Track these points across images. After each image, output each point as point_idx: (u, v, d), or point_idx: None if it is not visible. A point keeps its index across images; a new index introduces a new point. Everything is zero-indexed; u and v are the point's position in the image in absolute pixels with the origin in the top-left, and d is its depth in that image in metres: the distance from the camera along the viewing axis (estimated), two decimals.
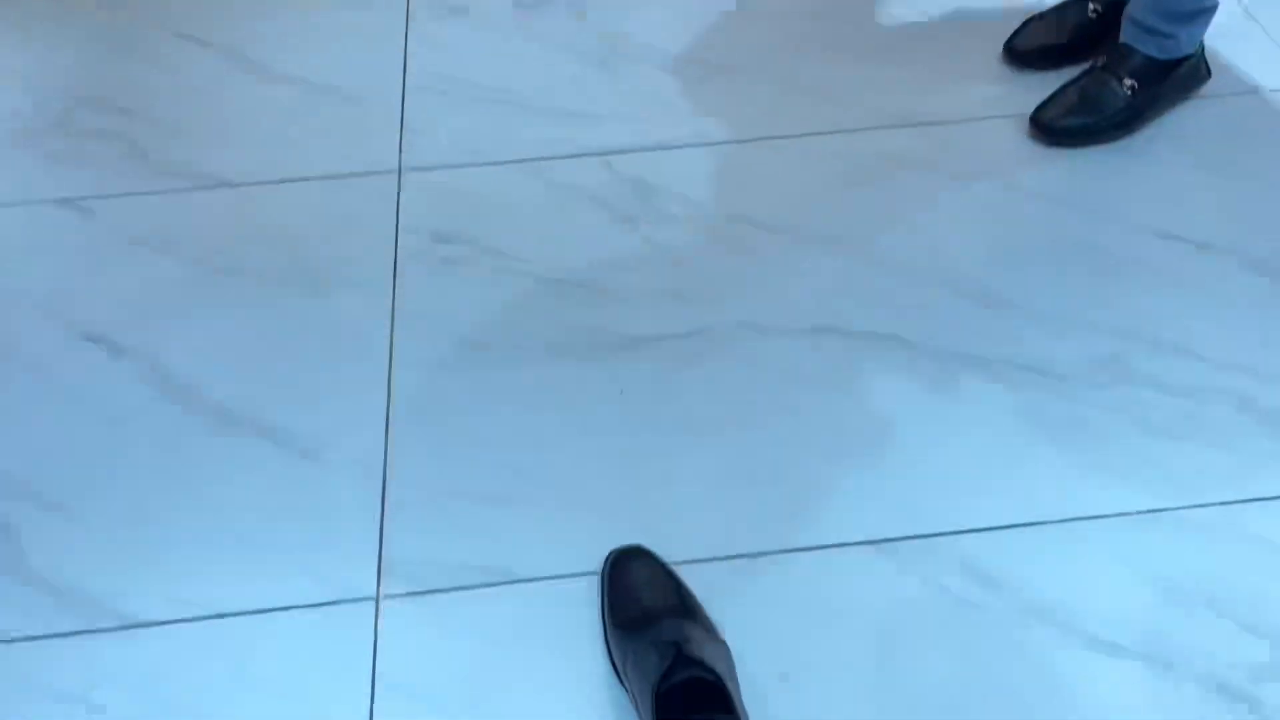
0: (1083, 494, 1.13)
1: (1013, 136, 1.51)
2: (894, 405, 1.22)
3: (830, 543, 1.11)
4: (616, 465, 1.18)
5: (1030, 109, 1.51)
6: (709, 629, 1.01)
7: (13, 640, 1.07)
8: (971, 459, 1.17)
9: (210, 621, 1.07)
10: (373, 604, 1.08)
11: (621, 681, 1.00)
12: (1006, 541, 1.10)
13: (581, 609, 1.07)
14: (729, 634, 1.02)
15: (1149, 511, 1.12)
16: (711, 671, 0.91)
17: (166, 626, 1.07)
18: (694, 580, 1.06)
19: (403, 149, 1.54)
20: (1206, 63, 1.52)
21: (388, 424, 1.22)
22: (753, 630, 1.04)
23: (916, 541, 1.10)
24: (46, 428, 1.23)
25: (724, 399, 1.24)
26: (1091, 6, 1.58)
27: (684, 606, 1.02)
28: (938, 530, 1.11)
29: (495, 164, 1.52)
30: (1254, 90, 1.56)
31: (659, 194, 1.46)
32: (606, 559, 1.08)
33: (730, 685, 0.93)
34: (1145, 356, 1.25)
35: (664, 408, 1.23)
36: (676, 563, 1.08)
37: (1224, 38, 1.59)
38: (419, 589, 1.09)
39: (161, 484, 1.18)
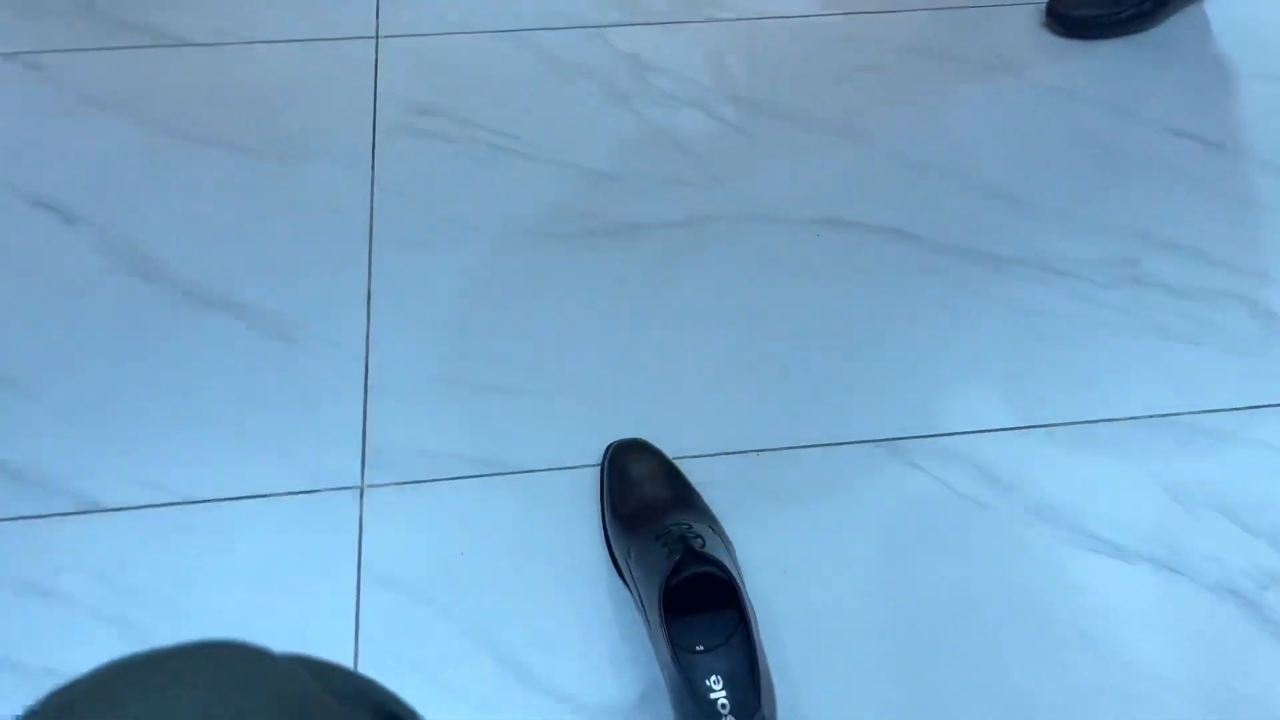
0: (1093, 396, 1.10)
1: (1028, 26, 1.44)
2: (902, 301, 1.17)
3: (835, 440, 1.07)
4: (614, 356, 1.12)
5: None
6: (714, 524, 0.97)
7: None
8: (980, 358, 1.13)
9: (182, 508, 1.01)
10: (357, 493, 1.03)
11: (622, 576, 0.96)
12: (1015, 442, 1.07)
13: (578, 502, 1.02)
14: (729, 528, 0.99)
15: (1159, 415, 1.09)
16: (721, 567, 0.87)
17: (135, 512, 1.01)
18: (695, 475, 1.02)
19: (380, 13, 1.43)
20: None
21: (369, 305, 1.15)
22: (754, 526, 1.00)
23: (924, 441, 1.07)
24: None
25: (725, 290, 1.18)
26: None
27: (688, 501, 0.98)
28: (946, 430, 1.08)
29: (480, 33, 1.42)
30: None
31: (657, 72, 1.38)
32: (606, 451, 1.03)
33: (738, 579, 0.89)
34: (1158, 258, 1.21)
35: (663, 298, 1.17)
36: (678, 457, 1.03)
37: None
38: (405, 479, 1.04)
39: (125, 362, 1.10)
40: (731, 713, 0.87)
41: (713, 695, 0.88)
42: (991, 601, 0.97)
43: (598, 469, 1.03)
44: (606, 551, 0.99)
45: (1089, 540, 1.01)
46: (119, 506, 1.01)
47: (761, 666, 0.86)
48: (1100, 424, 1.09)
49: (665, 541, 0.89)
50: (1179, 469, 1.05)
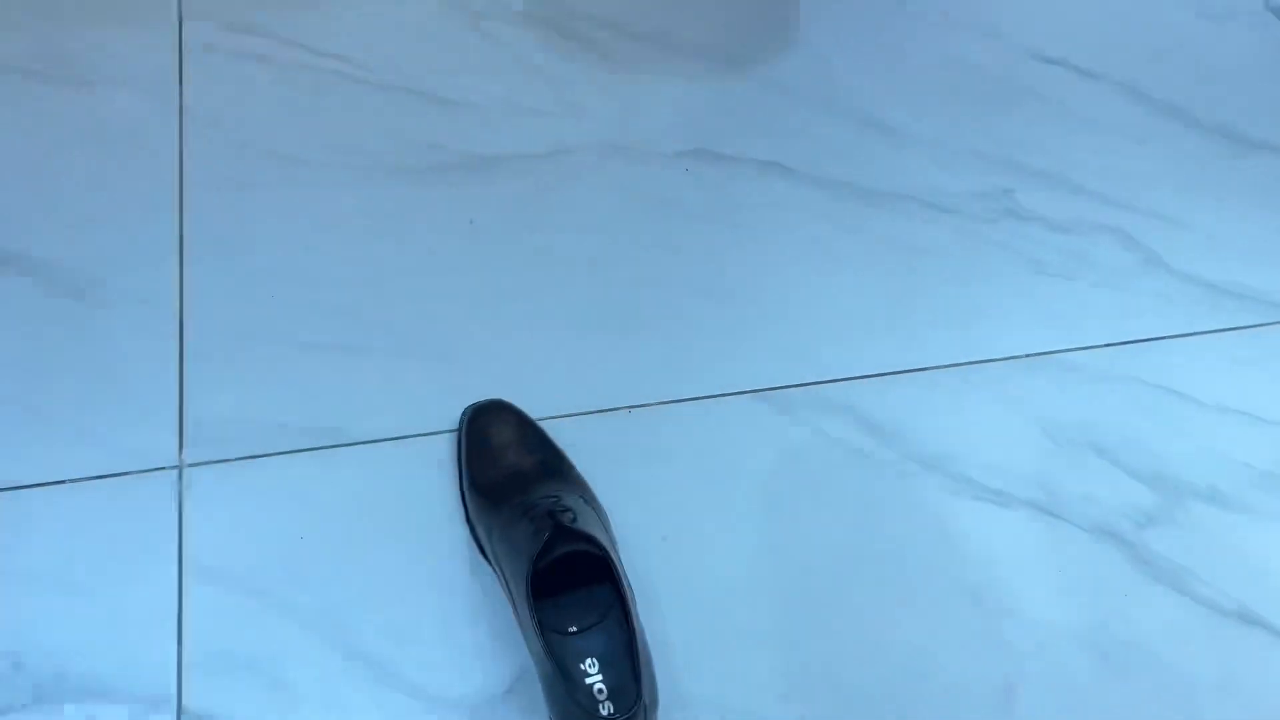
0: (970, 336, 1.07)
1: None
2: (777, 240, 1.10)
3: (710, 393, 1.00)
4: (467, 307, 1.02)
5: None
6: (584, 493, 0.88)
7: None
8: (857, 299, 1.08)
9: None
10: (175, 474, 0.90)
11: (484, 554, 0.87)
12: (896, 388, 1.02)
13: (432, 474, 0.92)
14: (602, 495, 0.91)
15: (1036, 354, 1.06)
16: (594, 543, 0.79)
17: None
18: (563, 437, 0.93)
19: None
20: None
21: (182, 255, 1.00)
22: (629, 490, 0.93)
23: (803, 389, 1.01)
24: None
25: (588, 231, 1.08)
26: None
27: (555, 468, 0.89)
28: (823, 377, 1.02)
29: None
30: None
31: None
32: (463, 415, 0.93)
33: (612, 555, 0.82)
34: (1032, 190, 1.18)
35: (521, 240, 1.07)
36: (542, 418, 0.94)
37: None
38: (231, 455, 0.91)
39: None
40: (609, 698, 0.80)
41: (588, 680, 0.81)
42: (878, 557, 0.93)
43: (454, 436, 0.93)
44: (466, 528, 0.89)
45: (971, 488, 0.97)
46: None
47: (640, 647, 0.79)
48: (979, 365, 1.05)
49: (532, 517, 0.81)
50: (1055, 409, 1.03)
